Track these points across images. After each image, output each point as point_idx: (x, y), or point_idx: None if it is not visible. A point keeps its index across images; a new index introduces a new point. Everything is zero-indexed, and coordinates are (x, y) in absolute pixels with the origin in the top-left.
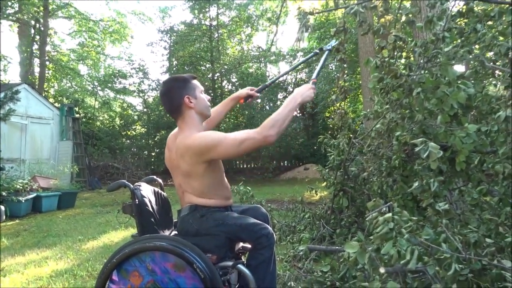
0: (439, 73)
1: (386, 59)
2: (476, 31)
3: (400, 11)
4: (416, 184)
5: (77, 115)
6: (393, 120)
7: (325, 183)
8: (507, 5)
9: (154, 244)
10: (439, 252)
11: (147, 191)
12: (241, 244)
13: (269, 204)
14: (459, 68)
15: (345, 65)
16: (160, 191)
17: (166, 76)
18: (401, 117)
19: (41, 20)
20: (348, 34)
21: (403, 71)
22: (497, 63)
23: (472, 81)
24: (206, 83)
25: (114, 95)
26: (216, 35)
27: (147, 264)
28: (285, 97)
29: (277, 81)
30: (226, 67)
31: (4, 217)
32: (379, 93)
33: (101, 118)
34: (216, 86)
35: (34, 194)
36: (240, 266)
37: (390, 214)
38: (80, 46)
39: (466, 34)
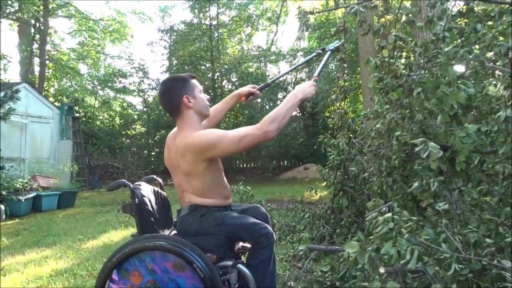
0: (439, 73)
1: (386, 59)
2: (476, 31)
3: (401, 11)
4: (416, 184)
5: (77, 114)
6: (393, 120)
7: (325, 183)
8: (507, 5)
9: (154, 244)
10: (439, 252)
11: (147, 190)
12: (241, 243)
13: (269, 204)
14: (459, 68)
15: (345, 65)
16: (160, 190)
17: (166, 76)
18: (401, 117)
19: (41, 19)
20: (348, 34)
21: (403, 71)
22: (497, 63)
23: (472, 81)
24: (206, 83)
25: (114, 95)
26: (216, 34)
27: (147, 263)
28: (284, 97)
29: (277, 81)
30: (226, 66)
31: (4, 216)
32: (379, 93)
33: (101, 117)
34: (216, 85)
35: (34, 193)
36: (240, 265)
37: (390, 214)
38: (80, 45)
39: (466, 34)
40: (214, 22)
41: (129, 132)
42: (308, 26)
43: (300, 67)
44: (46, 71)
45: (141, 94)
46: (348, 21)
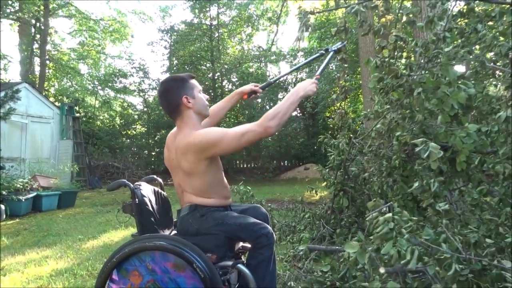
0: (439, 73)
1: (387, 59)
2: (477, 31)
3: (401, 11)
4: (416, 184)
5: (78, 114)
6: (394, 120)
7: (325, 183)
8: (508, 5)
9: (154, 244)
10: (439, 252)
11: (147, 190)
12: (241, 243)
13: (269, 204)
14: (460, 68)
15: (345, 65)
16: (160, 190)
17: (166, 76)
18: (402, 117)
19: (42, 19)
20: (349, 34)
21: (404, 71)
22: (498, 64)
23: (473, 81)
24: (206, 83)
25: (114, 95)
26: (217, 34)
27: (147, 263)
28: (285, 96)
29: (278, 81)
30: (226, 66)
31: (4, 216)
32: (379, 93)
33: (101, 117)
34: (216, 85)
35: (34, 193)
36: (240, 265)
37: (390, 214)
38: (80, 45)
39: (467, 35)
40: (215, 22)
41: (129, 132)
42: (308, 27)
43: (301, 67)
44: (47, 71)
45: (141, 94)
46: (349, 21)
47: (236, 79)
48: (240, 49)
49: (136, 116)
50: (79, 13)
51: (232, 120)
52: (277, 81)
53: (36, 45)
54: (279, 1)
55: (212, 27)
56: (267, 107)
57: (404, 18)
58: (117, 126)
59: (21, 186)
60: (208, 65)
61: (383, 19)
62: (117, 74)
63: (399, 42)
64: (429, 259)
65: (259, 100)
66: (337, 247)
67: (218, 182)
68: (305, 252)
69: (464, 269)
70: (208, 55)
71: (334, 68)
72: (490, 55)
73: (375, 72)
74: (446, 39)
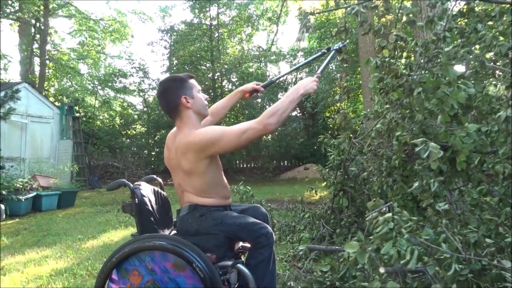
0: (439, 73)
1: (387, 59)
2: (477, 31)
3: (401, 11)
4: (416, 184)
5: (77, 114)
6: (393, 120)
7: (325, 183)
8: (508, 5)
9: (153, 244)
10: (439, 252)
11: (147, 190)
12: (241, 243)
13: (269, 204)
14: (460, 68)
15: (346, 65)
16: (160, 190)
17: (166, 76)
18: (402, 117)
19: (42, 19)
20: (349, 34)
21: (404, 71)
22: (498, 63)
23: (473, 81)
24: (206, 83)
25: (114, 94)
26: (217, 34)
27: (146, 263)
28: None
29: (277, 81)
30: (226, 66)
31: (4, 216)
32: (379, 93)
33: (101, 117)
34: (216, 85)
35: (34, 193)
36: (240, 265)
37: (390, 214)
38: (80, 45)
39: (467, 34)
40: (215, 22)
41: (129, 132)
42: (308, 28)
43: (301, 67)
44: (47, 71)
45: (141, 94)
46: (349, 21)
47: (236, 79)
48: (240, 49)
49: (136, 116)
50: (79, 13)
51: (232, 120)
52: (277, 81)
53: (36, 45)
54: (279, 1)
55: (212, 27)
56: (267, 106)
57: (404, 18)
58: (117, 126)
59: (21, 186)
60: (208, 65)
61: (383, 19)
62: (117, 74)
63: (399, 42)
64: (429, 259)
65: (259, 100)
66: (337, 247)
67: (218, 182)
68: (305, 252)
69: (464, 269)
70: (208, 55)
71: (334, 68)
72: (490, 55)
73: (375, 72)
74: (446, 39)
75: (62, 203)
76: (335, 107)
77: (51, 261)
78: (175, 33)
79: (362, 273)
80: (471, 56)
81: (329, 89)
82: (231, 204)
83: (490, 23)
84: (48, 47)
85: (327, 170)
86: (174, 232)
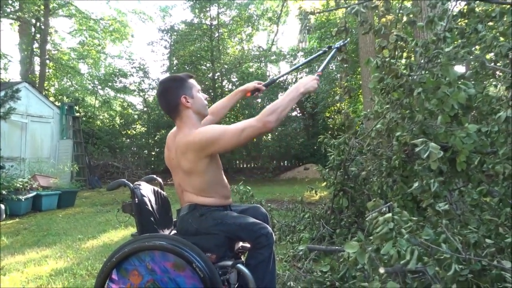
0: (439, 74)
1: (387, 59)
2: (477, 31)
3: (401, 11)
4: (416, 184)
5: (77, 114)
6: (393, 119)
7: (325, 183)
8: (508, 6)
9: (153, 243)
10: (439, 253)
11: (147, 190)
12: (241, 243)
13: (269, 204)
14: (460, 68)
15: (346, 65)
16: (160, 190)
17: (166, 75)
18: (401, 117)
19: (42, 19)
20: (349, 34)
21: (404, 71)
22: (498, 64)
23: (473, 82)
24: (206, 83)
25: (114, 94)
26: (217, 34)
27: (146, 263)
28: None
29: (277, 81)
30: (226, 66)
31: (4, 215)
32: (380, 93)
33: (101, 117)
34: (216, 85)
35: (34, 193)
36: (240, 265)
37: (390, 214)
38: (80, 44)
39: (467, 35)
40: (215, 22)
41: (129, 132)
42: (309, 29)
43: (301, 66)
44: (47, 70)
45: (141, 94)
46: (349, 21)
47: (236, 79)
48: (240, 49)
49: (136, 116)
50: (79, 13)
51: (232, 119)
52: (277, 81)
53: (36, 45)
54: (279, 1)
55: (212, 27)
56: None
57: (405, 18)
58: (117, 126)
59: (21, 186)
60: (208, 65)
61: (384, 19)
62: (117, 73)
63: (399, 42)
64: (429, 259)
65: (259, 100)
66: (336, 247)
67: (218, 181)
68: (305, 252)
69: (464, 269)
70: (208, 55)
71: (334, 69)
72: (490, 55)
73: (375, 72)
74: (446, 39)
75: (62, 203)
76: (335, 108)
77: (51, 261)
78: (175, 33)
79: (362, 273)
80: (471, 57)
81: (329, 89)
82: (231, 204)
83: (490, 23)
84: (48, 46)
85: (327, 170)
86: (174, 232)
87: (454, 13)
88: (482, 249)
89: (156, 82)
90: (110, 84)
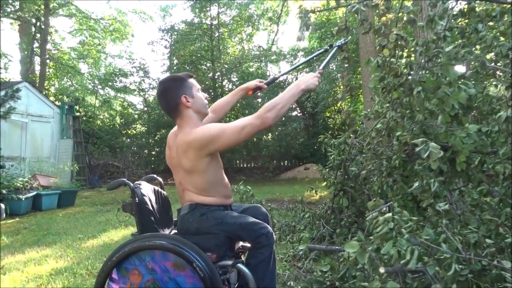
0: (439, 72)
1: (387, 58)
2: (478, 31)
3: (402, 10)
4: (416, 184)
5: (78, 114)
6: (393, 118)
7: (325, 183)
8: (509, 5)
9: (154, 243)
10: (439, 252)
11: (147, 189)
12: (241, 243)
13: (269, 204)
14: (460, 68)
15: (346, 65)
16: (160, 190)
17: (166, 75)
18: (401, 115)
19: (42, 18)
20: (350, 33)
21: (404, 70)
22: (498, 64)
23: (473, 82)
24: (206, 82)
25: (114, 94)
26: (217, 34)
27: (147, 262)
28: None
29: (277, 80)
30: (226, 66)
31: (4, 215)
32: (381, 93)
33: (101, 116)
34: (216, 85)
35: (34, 192)
36: (240, 265)
37: (390, 214)
38: (80, 44)
39: (468, 34)
40: (215, 22)
41: (129, 132)
42: (308, 26)
43: (302, 65)
44: (47, 70)
45: (141, 93)
46: (349, 20)
47: (236, 78)
48: (241, 49)
49: (136, 116)
50: (80, 12)
51: (232, 119)
52: (278, 80)
53: (36, 44)
54: (280, 0)
55: (213, 27)
56: None
57: (405, 17)
58: (117, 126)
59: (21, 185)
60: (208, 64)
61: (384, 18)
62: (117, 73)
63: (399, 42)
64: (429, 259)
65: (259, 100)
66: (337, 247)
67: (219, 181)
68: (305, 251)
69: (464, 269)
70: (209, 55)
71: (334, 68)
72: (490, 55)
73: (376, 71)
74: (446, 38)
75: (62, 202)
76: (335, 107)
77: (51, 260)
78: (175, 33)
79: (362, 273)
80: (471, 57)
81: (329, 89)
82: (232, 204)
83: (490, 23)
84: (48, 46)
85: (327, 170)
86: (174, 231)
87: (455, 13)
88: (482, 249)
89: (156, 81)
90: (110, 83)
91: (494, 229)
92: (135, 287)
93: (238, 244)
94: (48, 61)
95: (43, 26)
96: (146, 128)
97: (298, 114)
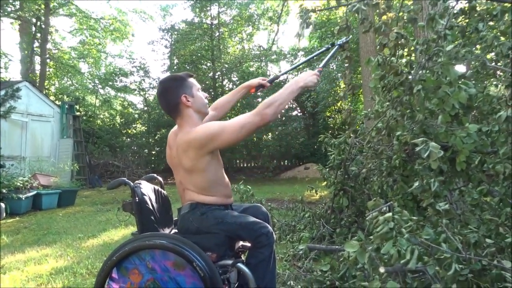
0: (440, 71)
1: (388, 57)
2: (478, 31)
3: (403, 9)
4: (416, 184)
5: (78, 113)
6: (393, 117)
7: (325, 182)
8: (509, 4)
9: (154, 242)
10: (439, 252)
11: (147, 189)
12: (241, 242)
13: (269, 203)
14: (460, 68)
15: (346, 65)
16: (160, 189)
17: (167, 75)
18: (401, 114)
19: (42, 18)
20: (350, 32)
21: (404, 69)
22: (499, 64)
23: (473, 81)
24: (206, 82)
25: (114, 93)
26: (217, 33)
27: (147, 262)
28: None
29: (278, 80)
30: (227, 66)
31: (4, 214)
32: (381, 91)
33: (101, 116)
34: (217, 85)
35: (34, 192)
36: (240, 264)
37: (390, 214)
38: (81, 44)
39: (468, 34)
40: (215, 21)
41: (129, 131)
42: (308, 24)
43: (303, 64)
44: (47, 69)
45: (141, 93)
46: (350, 20)
47: (237, 78)
48: (241, 49)
49: (136, 115)
50: (80, 12)
51: (232, 118)
52: (279, 79)
53: (36, 44)
54: (280, 0)
55: (213, 26)
56: None
57: (405, 16)
58: (118, 125)
59: (21, 185)
60: (208, 64)
61: (384, 17)
62: (118, 73)
63: (400, 40)
64: (429, 259)
65: (259, 100)
66: (337, 247)
67: (219, 180)
68: (305, 251)
69: (464, 269)
70: (209, 54)
71: (334, 68)
72: (491, 55)
73: (376, 70)
74: (447, 37)
75: (63, 201)
76: (335, 107)
77: (51, 259)
78: (175, 32)
79: (362, 272)
80: (472, 56)
81: (329, 88)
82: (232, 203)
83: (491, 23)
84: (48, 45)
85: (327, 169)
86: (174, 230)
87: (455, 11)
88: (482, 248)
89: (156, 81)
90: (110, 83)
91: (494, 229)
92: (135, 287)
93: (238, 244)
94: (48, 60)
95: (43, 26)
96: (146, 128)
97: (298, 114)
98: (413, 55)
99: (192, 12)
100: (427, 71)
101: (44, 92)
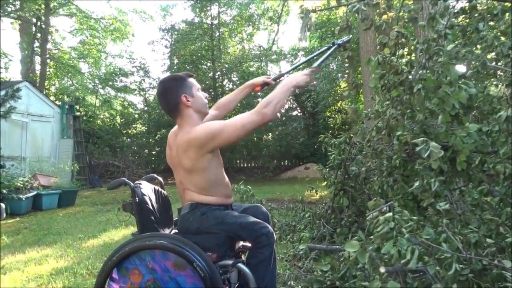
0: (440, 71)
1: (388, 57)
2: (478, 30)
3: (403, 8)
4: (416, 183)
5: (78, 113)
6: (393, 116)
7: (325, 182)
8: (510, 4)
9: (154, 243)
10: (439, 252)
11: (147, 189)
12: (241, 242)
13: (270, 203)
14: (461, 68)
15: (346, 65)
16: (160, 189)
17: (167, 75)
18: (401, 113)
19: (43, 18)
20: (351, 31)
21: (405, 68)
22: (499, 63)
23: (474, 81)
24: (207, 82)
25: (115, 94)
26: (217, 33)
27: (147, 262)
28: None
29: (280, 78)
30: (227, 66)
31: (4, 215)
32: (381, 91)
33: (101, 116)
34: (217, 85)
35: (35, 192)
36: (240, 264)
37: (390, 214)
38: (81, 44)
39: (468, 34)
40: (215, 21)
41: (129, 131)
42: (310, 27)
43: (301, 64)
44: (47, 69)
45: (142, 93)
46: (350, 20)
47: (237, 78)
48: (241, 49)
49: (136, 115)
50: (80, 12)
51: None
52: (281, 78)
53: (37, 44)
54: (280, 0)
55: (213, 26)
56: None
57: (406, 16)
58: (118, 125)
59: (22, 185)
60: (208, 64)
61: (385, 16)
62: (118, 73)
63: (400, 39)
64: (430, 259)
65: (259, 100)
66: (337, 247)
67: (219, 180)
68: (305, 251)
69: (464, 269)
70: (209, 54)
71: (334, 68)
72: (491, 55)
73: (376, 69)
74: (447, 36)
75: (63, 202)
76: (335, 107)
77: (52, 260)
78: (176, 32)
79: (362, 272)
80: (472, 56)
81: (329, 88)
82: (233, 203)
83: (491, 23)
84: (49, 45)
85: (327, 169)
86: (175, 231)
87: (456, 11)
88: (482, 248)
89: (156, 81)
90: (110, 83)
91: (495, 228)
92: (136, 287)
93: (238, 244)
94: (48, 60)
95: (43, 26)
96: (146, 128)
97: (299, 114)
98: (413, 54)
99: (192, 12)
100: (428, 71)
101: (44, 92)
